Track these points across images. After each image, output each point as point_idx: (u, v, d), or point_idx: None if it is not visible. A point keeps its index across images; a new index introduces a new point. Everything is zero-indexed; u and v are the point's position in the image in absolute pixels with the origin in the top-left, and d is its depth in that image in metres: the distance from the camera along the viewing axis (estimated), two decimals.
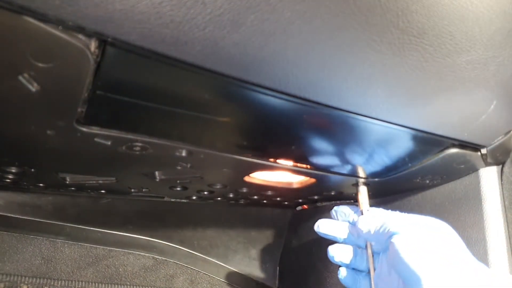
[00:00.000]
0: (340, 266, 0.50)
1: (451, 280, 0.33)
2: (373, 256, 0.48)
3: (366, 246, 0.48)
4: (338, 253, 0.49)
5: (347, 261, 0.49)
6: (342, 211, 0.51)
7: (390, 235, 0.40)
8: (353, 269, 0.49)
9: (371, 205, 0.51)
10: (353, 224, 0.50)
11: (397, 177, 0.52)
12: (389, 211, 0.47)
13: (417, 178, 0.53)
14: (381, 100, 0.33)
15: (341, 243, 0.50)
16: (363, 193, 0.51)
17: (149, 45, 0.24)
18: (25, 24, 0.21)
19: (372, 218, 0.45)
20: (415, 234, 0.38)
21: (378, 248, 0.47)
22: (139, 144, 0.37)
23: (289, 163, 0.47)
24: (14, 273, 0.71)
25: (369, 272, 0.48)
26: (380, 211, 0.48)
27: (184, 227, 0.89)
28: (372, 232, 0.44)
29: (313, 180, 0.55)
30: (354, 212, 0.51)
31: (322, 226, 0.51)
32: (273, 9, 0.24)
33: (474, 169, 0.50)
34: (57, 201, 0.75)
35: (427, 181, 0.54)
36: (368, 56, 0.28)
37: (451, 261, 0.35)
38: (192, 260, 0.88)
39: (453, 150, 0.44)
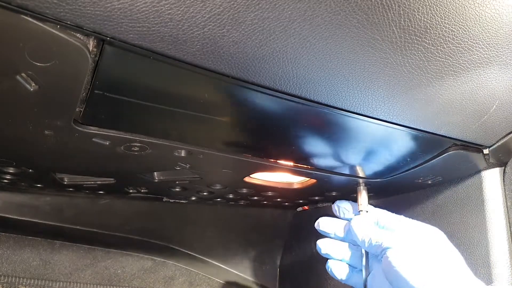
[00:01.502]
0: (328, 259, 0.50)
1: None
2: (367, 256, 0.48)
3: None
4: (326, 247, 0.49)
5: (337, 256, 0.49)
6: (344, 207, 0.51)
7: (384, 249, 0.41)
8: (350, 265, 0.50)
9: (372, 205, 0.51)
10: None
11: (398, 177, 0.51)
12: (386, 214, 0.47)
13: (419, 179, 0.52)
14: (382, 100, 0.33)
15: (341, 240, 0.50)
16: (363, 194, 0.51)
17: (147, 44, 0.24)
18: (23, 23, 0.21)
19: (366, 226, 0.45)
20: (409, 250, 0.39)
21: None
22: (138, 144, 0.37)
23: (289, 163, 0.47)
24: (12, 274, 0.71)
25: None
26: (376, 214, 0.48)
27: (183, 228, 0.89)
28: (366, 244, 0.44)
29: (313, 180, 0.55)
30: (354, 210, 0.51)
31: (323, 224, 0.51)
32: (273, 8, 0.23)
33: (476, 170, 0.50)
34: (55, 202, 0.74)
35: (429, 181, 0.54)
36: (369, 55, 0.28)
37: (446, 276, 0.36)
38: (191, 261, 0.88)
39: (455, 151, 0.44)
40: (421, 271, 0.36)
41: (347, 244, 0.50)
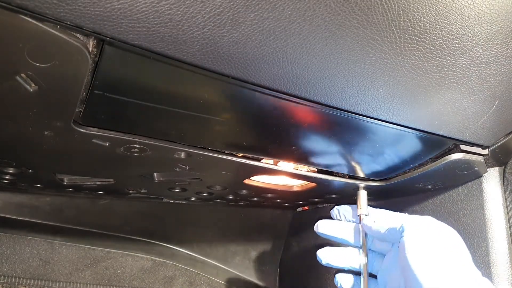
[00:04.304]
0: (336, 272, 0.50)
1: None
2: (367, 256, 0.47)
3: (361, 246, 0.48)
4: (326, 256, 0.49)
5: (340, 264, 0.48)
6: (344, 210, 0.51)
7: (401, 235, 0.40)
8: (353, 272, 0.49)
9: (372, 206, 0.51)
10: (356, 223, 0.50)
11: (398, 182, 0.51)
12: (393, 212, 0.47)
13: (419, 184, 0.52)
14: (382, 100, 0.33)
15: (340, 242, 0.50)
16: (362, 198, 0.51)
17: (147, 44, 0.24)
18: (23, 23, 0.21)
19: (380, 219, 0.45)
20: (424, 238, 0.38)
21: (383, 248, 0.47)
22: (138, 145, 0.37)
23: (289, 166, 0.47)
24: (12, 274, 0.71)
25: (371, 274, 0.48)
26: (383, 214, 0.48)
27: (183, 228, 0.89)
28: (383, 231, 0.43)
29: (313, 184, 0.55)
30: (354, 213, 0.51)
31: (322, 227, 0.51)
32: (273, 8, 0.23)
33: (477, 176, 0.49)
34: (55, 202, 0.74)
35: (429, 186, 0.53)
36: (369, 56, 0.28)
37: (456, 272, 0.35)
38: (191, 262, 0.88)
39: (456, 156, 0.43)
40: (434, 264, 0.35)
41: (348, 250, 0.49)
